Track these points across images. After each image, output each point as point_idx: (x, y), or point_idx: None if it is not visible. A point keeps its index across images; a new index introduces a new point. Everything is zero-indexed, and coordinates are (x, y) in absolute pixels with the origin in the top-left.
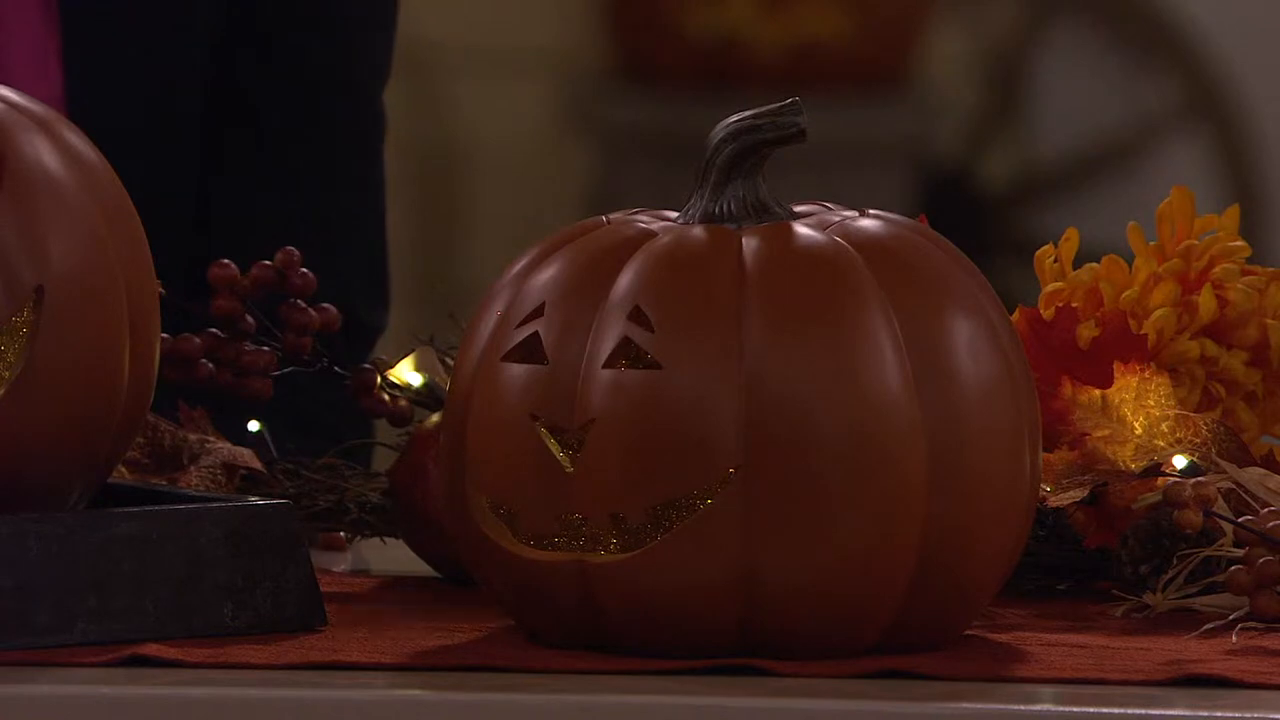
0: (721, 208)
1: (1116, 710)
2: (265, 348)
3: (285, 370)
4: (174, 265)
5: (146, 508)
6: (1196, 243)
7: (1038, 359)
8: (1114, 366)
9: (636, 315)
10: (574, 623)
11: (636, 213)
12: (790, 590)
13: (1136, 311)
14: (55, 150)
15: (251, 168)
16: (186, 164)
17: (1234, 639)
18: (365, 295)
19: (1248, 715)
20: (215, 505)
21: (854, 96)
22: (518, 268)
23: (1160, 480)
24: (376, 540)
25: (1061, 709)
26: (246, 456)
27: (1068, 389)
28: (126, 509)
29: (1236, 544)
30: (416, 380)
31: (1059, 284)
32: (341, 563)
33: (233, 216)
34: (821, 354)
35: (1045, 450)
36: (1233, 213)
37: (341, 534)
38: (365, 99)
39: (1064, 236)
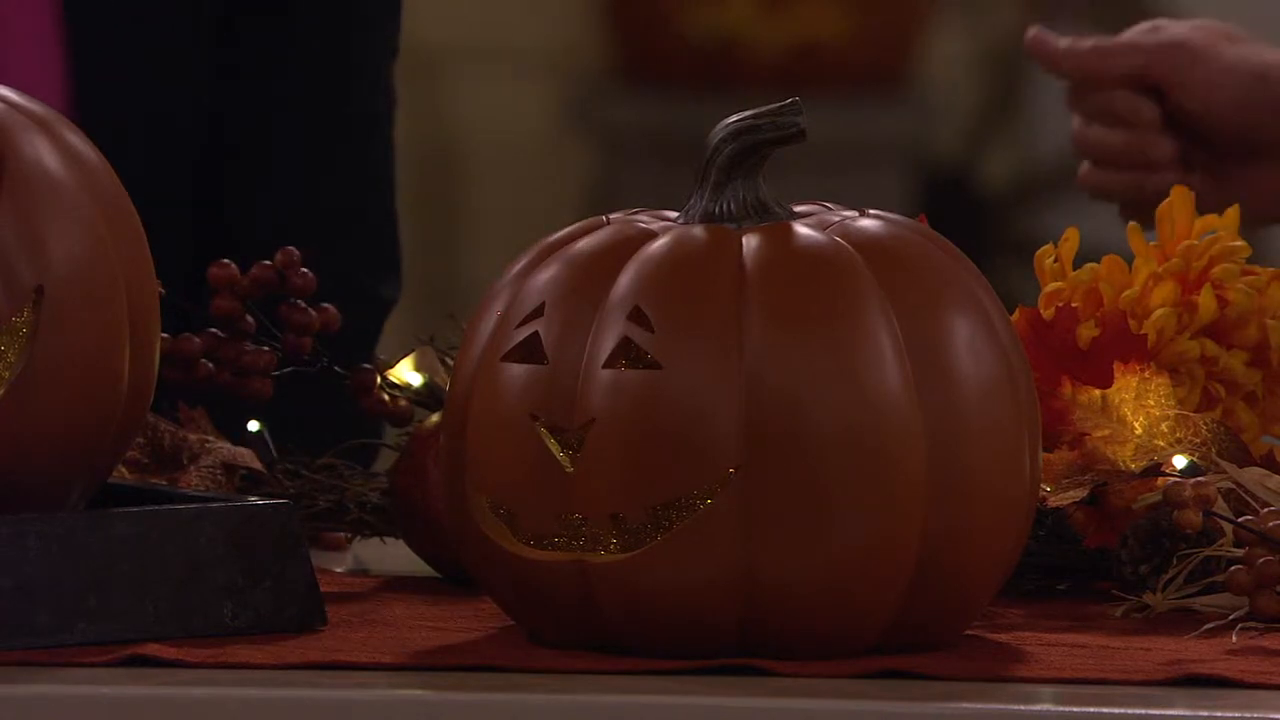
0: (721, 208)
1: (1116, 710)
2: (265, 348)
3: (285, 370)
4: (174, 265)
5: (146, 508)
6: (1196, 243)
7: (1038, 359)
8: (1114, 366)
9: (636, 315)
10: (574, 623)
11: (636, 213)
12: (790, 590)
13: (1136, 311)
14: (55, 150)
15: (261, 149)
16: (187, 159)
17: (1234, 639)
18: (379, 269)
19: (1248, 715)
20: (215, 505)
21: (854, 96)
22: (518, 268)
23: (1160, 480)
24: (376, 540)
25: (1061, 709)
26: (246, 456)
27: (1068, 389)
28: (126, 509)
29: (1236, 544)
30: (416, 380)
31: (1059, 284)
32: (341, 563)
33: (243, 197)
34: (821, 354)
35: (1045, 450)
36: (1233, 213)
37: (341, 534)
38: (373, 75)
39: (1064, 236)
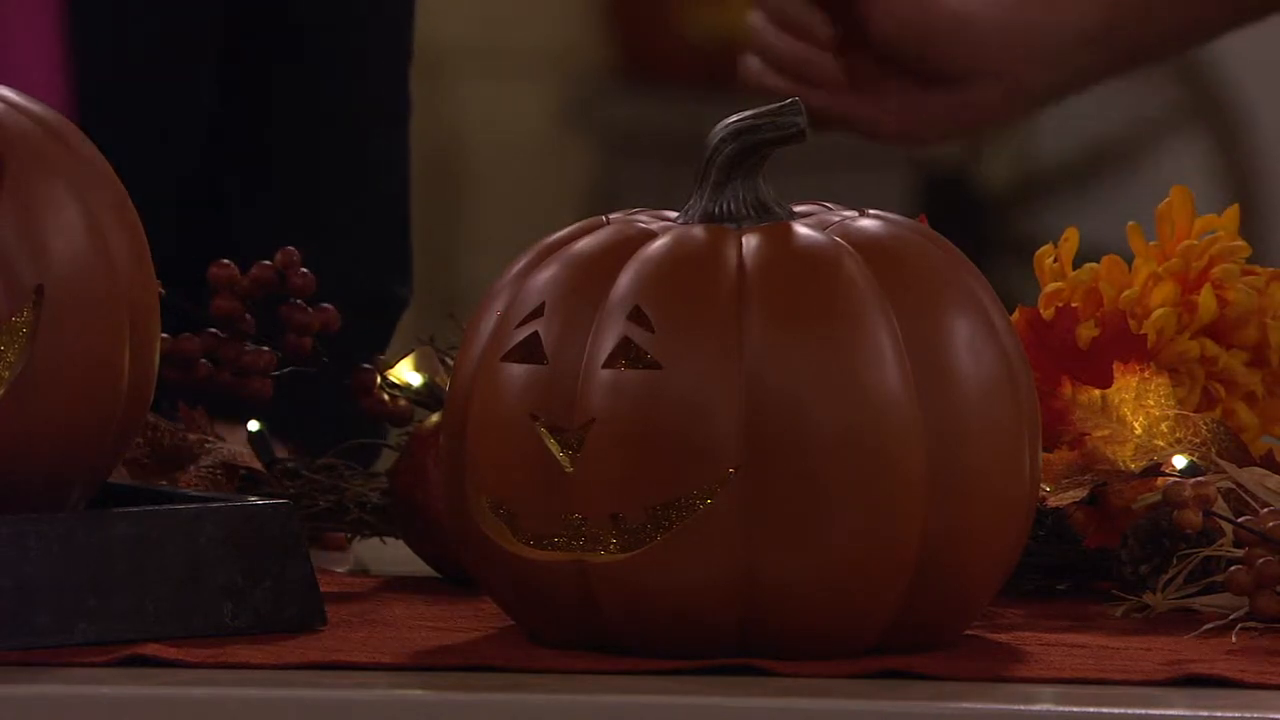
0: (721, 208)
1: (1116, 710)
2: (265, 348)
3: (285, 370)
4: (174, 265)
5: (146, 508)
6: (1196, 243)
7: (1038, 359)
8: (1114, 366)
9: (636, 315)
10: (574, 623)
11: (636, 213)
12: (790, 590)
13: (1136, 311)
14: (56, 150)
15: (262, 150)
16: (188, 159)
17: (1234, 639)
18: (394, 270)
19: (1248, 715)
20: (215, 505)
21: None
22: (518, 268)
23: (1160, 480)
24: (376, 540)
25: (1061, 709)
26: (246, 456)
27: (1068, 389)
28: (126, 509)
29: (1236, 544)
30: (416, 380)
31: (1059, 284)
32: (341, 563)
33: (255, 199)
34: (821, 354)
35: (1045, 450)
36: (1233, 213)
37: (342, 534)
38: (382, 77)
39: (1064, 236)
